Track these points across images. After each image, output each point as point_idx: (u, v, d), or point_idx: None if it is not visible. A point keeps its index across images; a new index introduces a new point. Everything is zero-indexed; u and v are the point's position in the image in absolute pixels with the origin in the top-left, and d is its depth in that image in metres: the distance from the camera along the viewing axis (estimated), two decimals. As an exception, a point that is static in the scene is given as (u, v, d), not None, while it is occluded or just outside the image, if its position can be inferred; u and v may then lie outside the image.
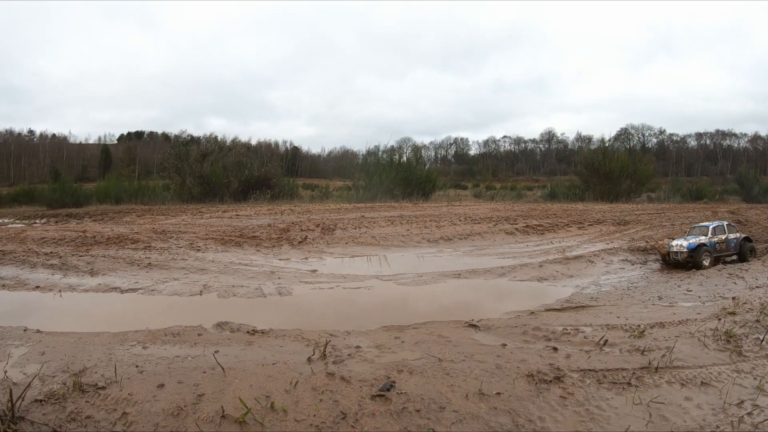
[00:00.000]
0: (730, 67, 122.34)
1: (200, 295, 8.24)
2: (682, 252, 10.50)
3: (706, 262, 10.31)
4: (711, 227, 11.03)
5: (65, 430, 3.23)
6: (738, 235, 11.17)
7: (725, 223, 11.39)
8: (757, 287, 8.45)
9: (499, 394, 3.73)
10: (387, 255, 11.95)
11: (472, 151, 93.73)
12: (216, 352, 4.69)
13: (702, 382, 4.02)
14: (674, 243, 10.83)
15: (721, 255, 10.88)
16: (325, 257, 11.65)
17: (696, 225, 11.81)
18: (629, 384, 3.96)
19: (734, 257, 11.12)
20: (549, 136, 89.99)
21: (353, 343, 5.18)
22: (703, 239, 10.64)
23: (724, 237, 10.87)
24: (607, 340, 5.09)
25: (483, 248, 12.95)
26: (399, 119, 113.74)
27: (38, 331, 5.83)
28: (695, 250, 10.34)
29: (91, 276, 9.46)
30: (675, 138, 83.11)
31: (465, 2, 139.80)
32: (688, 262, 10.34)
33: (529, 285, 9.02)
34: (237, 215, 19.16)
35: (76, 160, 73.04)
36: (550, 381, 3.97)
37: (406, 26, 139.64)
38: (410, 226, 15.83)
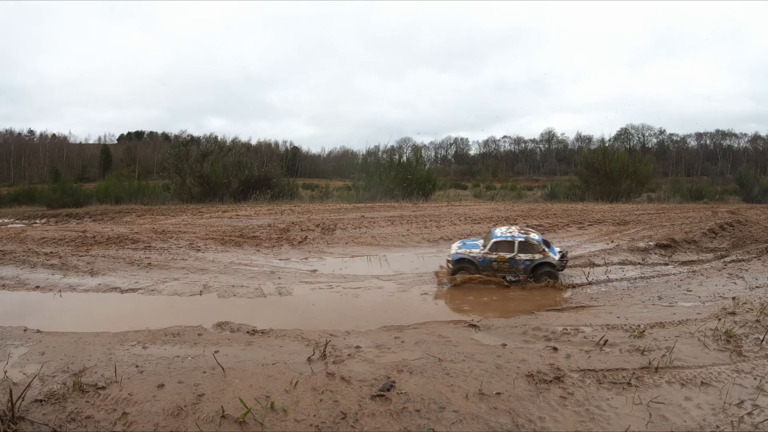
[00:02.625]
0: (730, 67, 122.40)
1: (200, 295, 8.24)
2: (449, 260, 8.93)
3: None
4: (493, 240, 8.74)
5: (65, 430, 3.23)
6: (535, 256, 8.55)
7: (521, 238, 8.68)
8: (757, 287, 8.46)
9: (499, 394, 3.73)
10: (387, 255, 11.94)
11: (472, 151, 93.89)
12: (216, 352, 4.70)
13: (702, 382, 4.02)
14: (455, 245, 9.31)
15: (502, 274, 8.77)
16: (325, 257, 11.65)
17: (495, 229, 9.48)
18: (629, 384, 3.96)
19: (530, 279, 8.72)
20: (549, 136, 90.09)
21: (353, 343, 5.19)
22: (475, 251, 8.76)
23: (509, 255, 8.56)
24: (607, 340, 5.09)
25: (483, 248, 12.95)
26: (399, 119, 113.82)
27: (38, 331, 5.83)
28: (456, 264, 8.73)
29: (91, 276, 9.46)
30: (675, 138, 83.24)
31: (465, 2, 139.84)
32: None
33: (529, 284, 9.01)
34: (237, 215, 19.16)
35: (76, 160, 73.07)
36: (550, 381, 3.97)
37: (406, 26, 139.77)
38: (410, 226, 15.83)
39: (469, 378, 4.02)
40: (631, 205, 26.51)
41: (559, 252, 9.10)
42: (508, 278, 8.79)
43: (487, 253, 8.69)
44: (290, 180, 38.22)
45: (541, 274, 8.59)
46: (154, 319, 6.57)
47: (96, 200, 30.31)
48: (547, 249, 8.74)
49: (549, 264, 8.61)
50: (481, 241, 9.31)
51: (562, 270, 8.86)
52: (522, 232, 9.05)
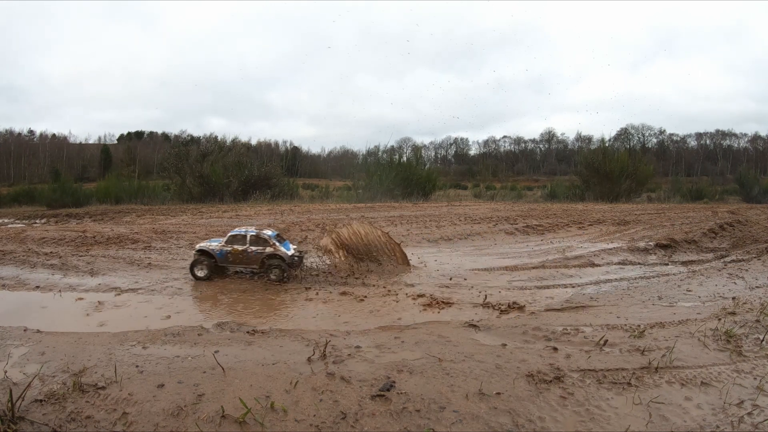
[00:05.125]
0: (730, 67, 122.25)
1: (200, 294, 8.24)
2: (194, 252, 9.65)
3: (199, 273, 9.20)
4: (229, 234, 9.64)
5: (65, 430, 3.23)
6: (266, 249, 9.25)
7: (253, 232, 9.47)
8: (757, 287, 8.46)
9: (499, 394, 3.73)
10: (387, 255, 11.92)
11: (472, 151, 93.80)
12: (216, 352, 4.70)
13: (702, 382, 4.02)
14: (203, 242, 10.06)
15: (238, 266, 9.50)
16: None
17: (238, 226, 10.95)
18: (629, 384, 3.96)
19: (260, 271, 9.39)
20: (549, 136, 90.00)
21: (353, 343, 5.19)
22: (214, 244, 9.55)
23: (242, 248, 9.32)
24: (607, 340, 5.09)
25: (483, 248, 12.96)
26: (399, 119, 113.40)
27: (38, 331, 5.83)
28: (197, 254, 9.44)
29: (91, 276, 9.46)
30: (675, 138, 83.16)
31: (465, 2, 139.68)
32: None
33: (529, 285, 9.02)
34: (237, 215, 19.18)
35: (76, 160, 73.08)
36: (550, 381, 3.97)
37: (406, 26, 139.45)
38: (410, 226, 15.84)
39: (469, 378, 4.02)
40: (631, 205, 26.53)
41: (296, 250, 9.78)
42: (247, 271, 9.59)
43: (223, 245, 9.48)
44: (290, 180, 38.27)
45: (271, 266, 9.23)
46: (154, 319, 6.57)
47: (96, 200, 30.35)
48: (278, 244, 9.46)
49: (278, 257, 9.28)
50: (216, 239, 10.21)
51: (296, 267, 9.52)
52: (257, 228, 9.93)
